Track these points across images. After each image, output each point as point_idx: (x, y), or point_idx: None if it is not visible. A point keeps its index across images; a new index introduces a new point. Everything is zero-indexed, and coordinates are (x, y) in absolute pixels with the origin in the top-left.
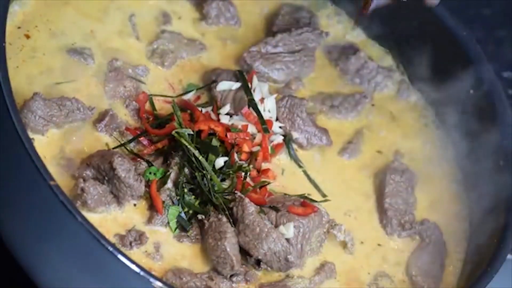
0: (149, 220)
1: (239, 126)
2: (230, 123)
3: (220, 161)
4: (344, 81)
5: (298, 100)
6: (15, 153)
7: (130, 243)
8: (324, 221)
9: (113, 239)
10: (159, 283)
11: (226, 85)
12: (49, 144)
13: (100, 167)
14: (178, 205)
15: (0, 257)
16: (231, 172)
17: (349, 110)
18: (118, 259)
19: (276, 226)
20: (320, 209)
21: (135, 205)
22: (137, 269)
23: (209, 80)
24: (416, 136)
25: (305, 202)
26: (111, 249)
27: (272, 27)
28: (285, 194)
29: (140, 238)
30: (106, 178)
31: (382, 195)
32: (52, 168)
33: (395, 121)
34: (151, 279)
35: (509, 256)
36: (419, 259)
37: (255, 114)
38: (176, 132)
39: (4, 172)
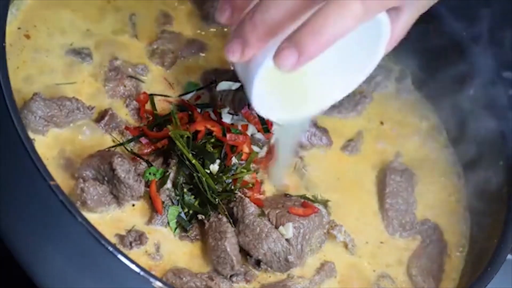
0: (149, 220)
1: (239, 126)
2: (230, 123)
3: (215, 167)
4: None
5: None
6: (15, 153)
7: (130, 243)
8: (324, 221)
9: (113, 239)
10: (159, 283)
11: (226, 85)
12: (49, 144)
13: (100, 167)
14: (178, 205)
15: (0, 257)
16: (225, 178)
17: (349, 110)
18: (118, 259)
19: (277, 226)
20: (321, 209)
21: (133, 205)
22: (137, 269)
23: (209, 80)
24: (416, 135)
25: (306, 203)
26: (111, 249)
27: None
28: (286, 194)
29: (140, 238)
30: (106, 178)
31: (382, 196)
32: (52, 168)
33: (395, 121)
34: (151, 279)
35: (509, 256)
36: (419, 259)
37: (255, 114)
38: (173, 133)
39: (4, 172)
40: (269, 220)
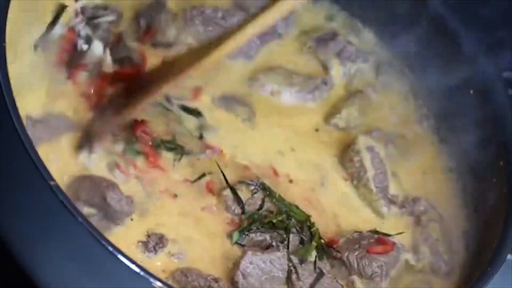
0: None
1: None
2: None
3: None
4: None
5: None
6: (15, 153)
7: (154, 248)
8: (401, 255)
9: (136, 249)
10: (159, 283)
11: None
12: None
13: (90, 201)
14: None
15: (0, 257)
16: None
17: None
18: (118, 259)
19: (358, 268)
20: (396, 244)
21: (132, 219)
22: (137, 269)
23: None
24: (416, 137)
25: (381, 239)
26: (111, 249)
27: None
28: (355, 231)
29: (161, 240)
30: (97, 207)
31: (362, 179)
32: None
33: (374, 106)
34: (151, 279)
35: (509, 256)
36: (425, 239)
37: None
38: None
39: (4, 172)
40: (348, 261)
